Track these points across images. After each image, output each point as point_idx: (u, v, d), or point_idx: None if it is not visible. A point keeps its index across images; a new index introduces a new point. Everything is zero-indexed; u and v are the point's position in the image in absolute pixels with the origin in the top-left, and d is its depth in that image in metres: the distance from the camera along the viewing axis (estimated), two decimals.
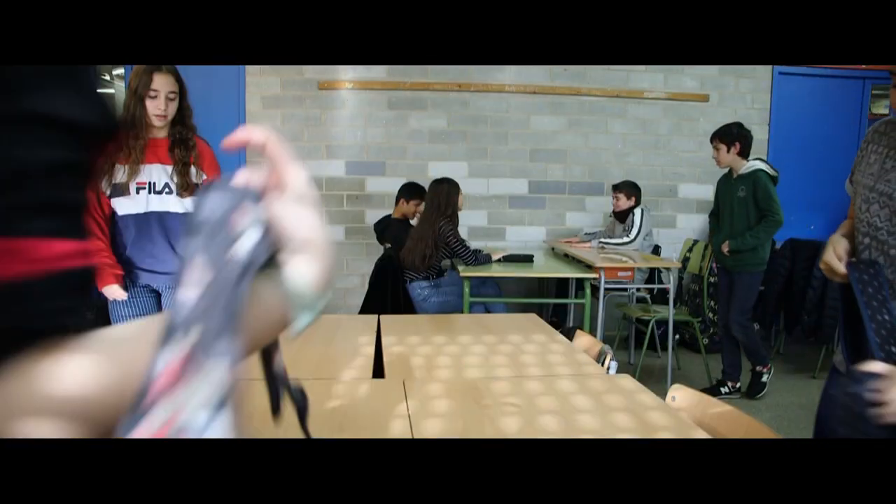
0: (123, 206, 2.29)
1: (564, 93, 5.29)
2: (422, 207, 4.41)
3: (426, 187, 4.45)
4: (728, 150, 3.79)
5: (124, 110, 2.22)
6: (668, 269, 4.28)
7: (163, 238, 2.36)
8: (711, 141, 3.89)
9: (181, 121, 2.34)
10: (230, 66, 5.02)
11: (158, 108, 2.24)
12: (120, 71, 6.11)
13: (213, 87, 5.06)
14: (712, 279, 4.40)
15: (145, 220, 2.32)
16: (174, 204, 2.36)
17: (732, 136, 3.76)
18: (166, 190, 2.34)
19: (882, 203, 1.30)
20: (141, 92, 2.19)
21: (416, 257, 3.89)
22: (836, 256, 1.30)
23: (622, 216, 4.69)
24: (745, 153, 3.78)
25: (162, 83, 2.22)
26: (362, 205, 5.24)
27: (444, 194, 3.92)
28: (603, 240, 4.68)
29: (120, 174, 2.26)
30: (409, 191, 4.46)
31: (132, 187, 2.28)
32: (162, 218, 2.35)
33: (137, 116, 2.22)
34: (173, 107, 2.28)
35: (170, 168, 2.32)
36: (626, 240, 4.54)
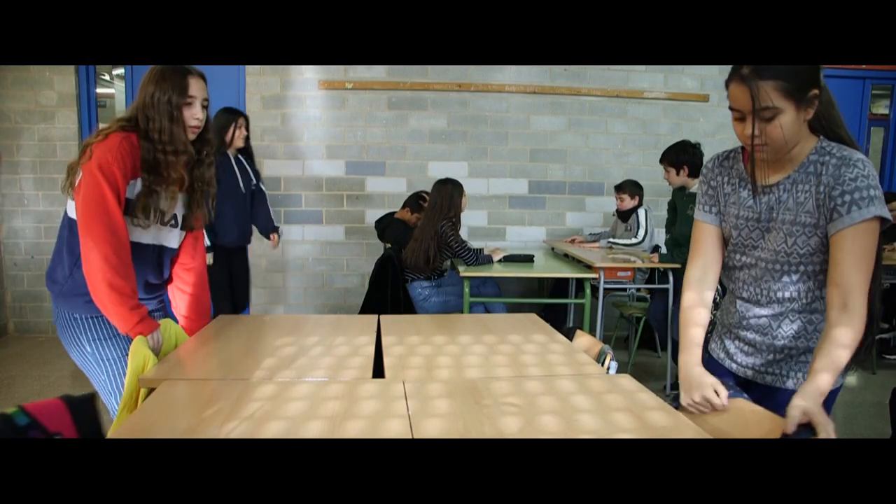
0: (133, 232, 1.88)
1: (564, 93, 5.30)
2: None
3: (429, 192, 4.45)
4: (678, 173, 3.85)
5: (150, 122, 1.83)
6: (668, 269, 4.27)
7: (154, 273, 2.01)
8: (661, 162, 3.96)
9: (200, 135, 1.97)
10: (230, 65, 5.02)
11: (196, 116, 1.89)
12: (120, 71, 6.09)
13: (213, 87, 5.01)
14: None
15: (142, 252, 1.93)
16: (174, 239, 2.03)
17: (680, 159, 3.81)
18: (171, 222, 1.98)
19: (752, 226, 1.54)
20: (177, 100, 1.85)
21: (419, 258, 3.89)
22: (714, 397, 1.47)
23: (625, 216, 4.70)
24: (695, 173, 3.81)
25: (198, 88, 1.90)
26: (362, 205, 5.24)
27: (447, 196, 3.92)
28: (611, 240, 4.69)
29: (163, 200, 1.89)
30: (419, 205, 4.45)
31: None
32: (160, 252, 2.00)
33: (176, 130, 1.85)
34: (205, 116, 1.94)
35: (179, 195, 1.97)
36: (634, 241, 4.55)
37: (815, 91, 1.36)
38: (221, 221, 3.58)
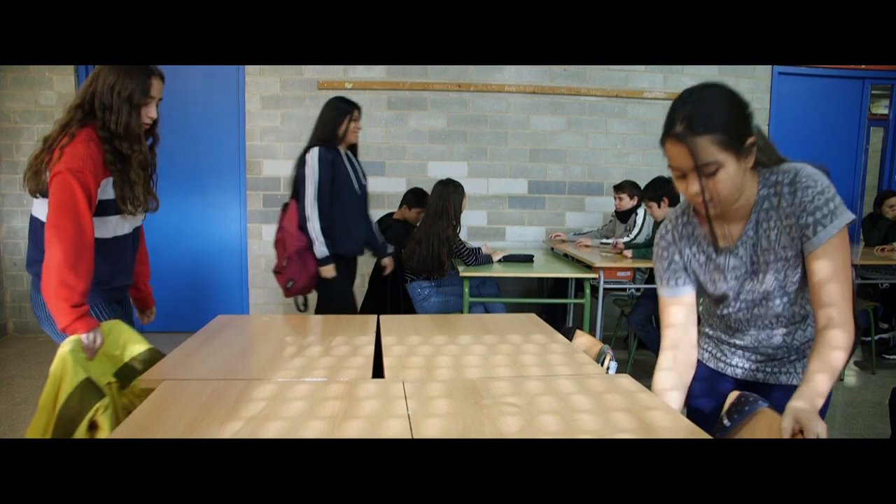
0: (114, 226, 1.96)
1: (564, 93, 5.29)
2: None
3: (423, 189, 4.46)
4: (659, 206, 4.12)
5: (106, 112, 1.87)
6: None
7: (133, 254, 2.12)
8: (643, 201, 4.26)
9: (149, 129, 2.04)
10: (230, 65, 5.02)
11: (150, 115, 1.96)
12: None
13: (212, 88, 5.06)
14: None
15: (125, 241, 2.04)
16: (140, 218, 2.10)
17: (658, 193, 4.09)
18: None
19: (741, 279, 1.50)
20: (139, 99, 1.89)
21: (428, 262, 3.84)
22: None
23: (624, 216, 4.69)
24: (674, 201, 4.03)
25: (158, 89, 1.95)
26: None
27: (449, 199, 3.89)
28: (603, 240, 4.68)
29: (139, 188, 1.96)
30: (417, 199, 4.43)
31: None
32: (136, 235, 2.13)
33: (133, 126, 1.90)
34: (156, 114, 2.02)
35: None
36: (625, 239, 4.54)
37: (752, 139, 1.35)
38: (338, 227, 3.20)
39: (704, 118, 1.30)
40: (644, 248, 4.13)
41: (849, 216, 1.34)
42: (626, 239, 4.55)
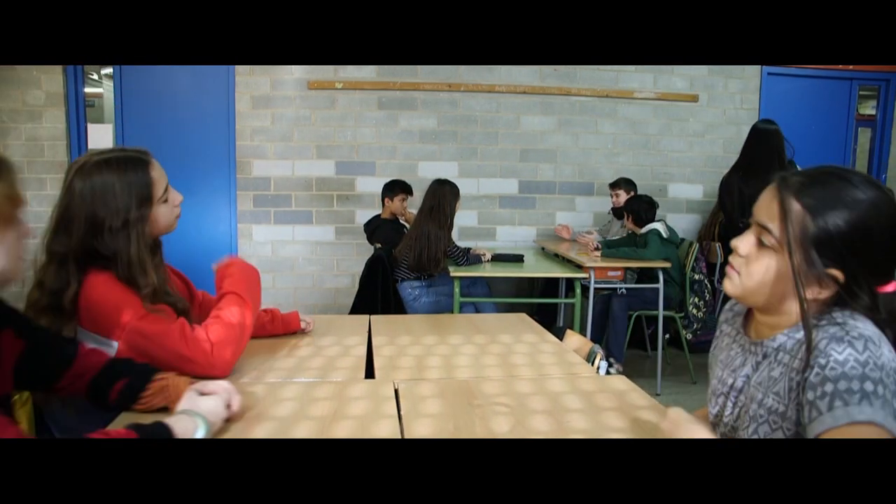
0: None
1: (554, 93, 5.30)
2: (407, 202, 4.41)
3: (410, 185, 4.46)
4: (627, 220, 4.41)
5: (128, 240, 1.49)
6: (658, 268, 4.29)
7: None
8: (626, 218, 4.38)
9: None
10: (220, 65, 5.00)
11: (176, 200, 1.70)
12: (108, 70, 6.04)
13: (202, 88, 5.04)
14: (696, 276, 4.41)
15: None
16: None
17: (642, 219, 4.20)
18: None
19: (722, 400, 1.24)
20: (153, 194, 1.55)
21: (424, 260, 3.83)
22: None
23: (621, 213, 4.70)
24: (638, 221, 4.25)
25: (159, 170, 1.60)
26: (352, 205, 5.23)
27: (445, 198, 3.89)
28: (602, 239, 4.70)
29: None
30: (390, 188, 4.46)
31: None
32: None
33: (163, 224, 1.66)
34: None
35: None
36: (599, 238, 4.55)
37: (837, 275, 0.99)
38: None
39: (822, 197, 0.98)
40: (615, 248, 4.10)
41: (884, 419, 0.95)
42: (599, 238, 4.56)
